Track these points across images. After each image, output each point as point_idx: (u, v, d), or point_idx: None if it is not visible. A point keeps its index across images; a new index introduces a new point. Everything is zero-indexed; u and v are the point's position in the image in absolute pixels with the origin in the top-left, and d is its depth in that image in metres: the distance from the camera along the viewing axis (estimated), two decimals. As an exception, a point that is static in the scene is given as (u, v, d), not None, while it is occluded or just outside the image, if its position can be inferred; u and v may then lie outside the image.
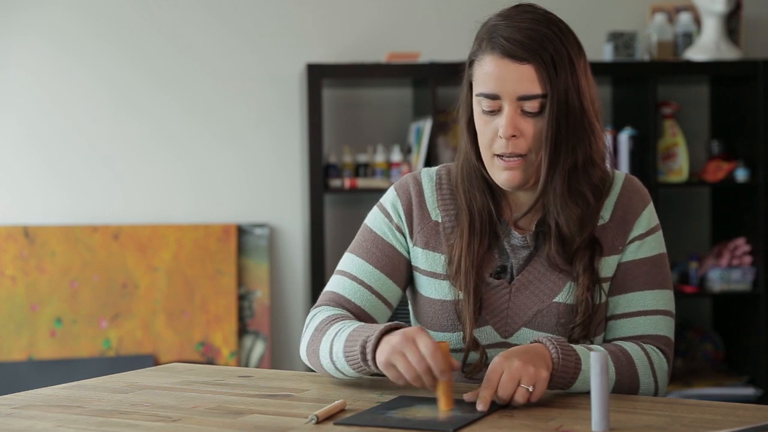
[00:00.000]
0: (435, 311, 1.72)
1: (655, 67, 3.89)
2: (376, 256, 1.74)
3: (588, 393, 1.49)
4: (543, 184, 1.63)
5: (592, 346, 1.62)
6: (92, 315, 3.95)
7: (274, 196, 4.11)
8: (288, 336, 4.12)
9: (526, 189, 1.67)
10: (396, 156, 3.88)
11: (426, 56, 3.99)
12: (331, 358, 1.60)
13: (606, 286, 1.68)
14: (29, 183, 4.03)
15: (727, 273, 3.89)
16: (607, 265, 1.68)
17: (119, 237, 3.98)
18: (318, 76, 3.81)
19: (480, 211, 1.70)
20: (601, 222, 1.68)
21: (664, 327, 1.68)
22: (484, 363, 1.66)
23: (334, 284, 1.75)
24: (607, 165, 1.71)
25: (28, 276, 3.94)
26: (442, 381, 1.43)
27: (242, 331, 4.02)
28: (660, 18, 4.03)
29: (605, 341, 1.70)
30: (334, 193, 3.91)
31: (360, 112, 4.13)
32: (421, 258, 1.74)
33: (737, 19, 4.04)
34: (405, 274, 1.76)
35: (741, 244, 3.92)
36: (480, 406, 1.42)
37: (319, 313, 1.70)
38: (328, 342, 1.61)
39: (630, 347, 1.63)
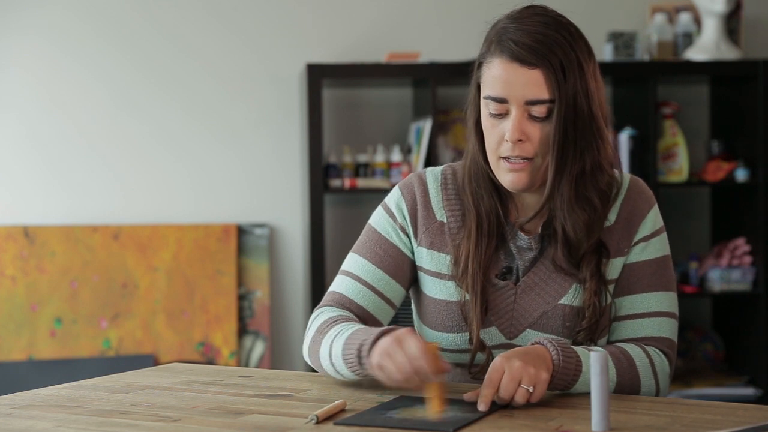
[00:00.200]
0: (440, 311, 1.72)
1: (655, 67, 3.89)
2: (380, 257, 1.74)
3: (588, 393, 1.49)
4: (550, 189, 1.63)
5: (592, 347, 1.62)
6: (92, 315, 3.94)
7: (274, 196, 4.11)
8: (288, 336, 4.12)
9: (532, 191, 1.67)
10: (396, 156, 3.88)
11: (426, 56, 3.99)
12: (331, 360, 1.61)
13: (611, 288, 1.68)
14: (29, 183, 4.03)
15: (727, 273, 3.89)
16: (613, 268, 1.68)
17: (119, 237, 3.98)
18: (318, 76, 3.81)
19: (487, 212, 1.70)
20: (606, 224, 1.68)
21: (667, 329, 1.68)
22: (489, 364, 1.66)
23: (338, 285, 1.75)
24: (615, 170, 1.71)
25: (28, 276, 3.94)
26: (432, 383, 1.42)
27: (242, 331, 4.02)
28: (660, 18, 4.02)
29: (608, 343, 1.70)
30: (334, 193, 3.91)
31: (360, 112, 4.13)
32: (425, 258, 1.74)
33: (737, 19, 4.04)
34: (409, 275, 1.76)
35: (741, 244, 3.92)
36: (481, 406, 1.42)
37: (321, 314, 1.70)
38: (327, 344, 1.61)
39: (632, 349, 1.63)
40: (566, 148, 1.61)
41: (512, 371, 1.45)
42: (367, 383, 1.63)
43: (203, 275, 3.99)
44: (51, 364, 3.90)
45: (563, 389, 1.53)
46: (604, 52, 3.97)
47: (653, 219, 1.71)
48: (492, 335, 1.69)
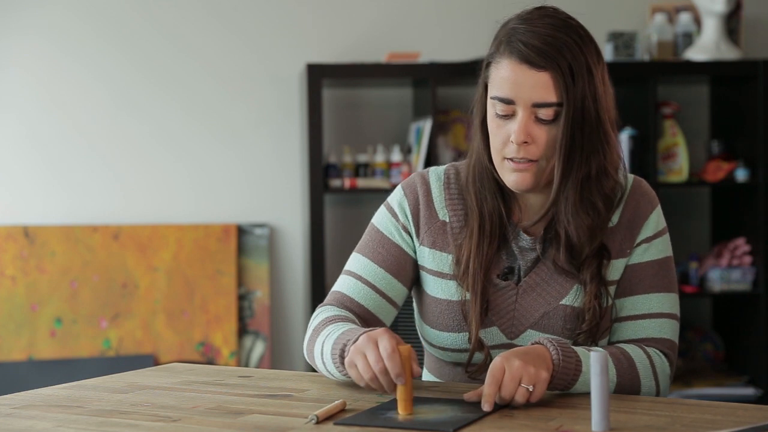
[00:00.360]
0: (441, 311, 1.72)
1: (655, 67, 3.89)
2: (382, 256, 1.74)
3: (588, 393, 1.49)
4: (555, 193, 1.63)
5: (592, 347, 1.62)
6: (92, 315, 3.95)
7: (274, 196, 4.11)
8: (288, 336, 4.12)
9: (535, 192, 1.67)
10: (396, 156, 3.88)
11: (426, 56, 3.99)
12: (322, 359, 1.61)
13: (612, 289, 1.68)
14: (29, 183, 4.03)
15: (727, 273, 3.89)
16: (615, 269, 1.68)
17: (119, 237, 3.98)
18: (318, 76, 3.81)
19: (490, 212, 1.70)
20: (609, 225, 1.68)
21: (669, 330, 1.68)
22: (488, 364, 1.65)
23: (341, 284, 1.76)
24: (621, 175, 1.70)
25: (28, 276, 3.94)
26: (400, 385, 1.42)
27: (242, 331, 4.02)
28: (660, 18, 4.02)
29: (609, 343, 1.70)
30: (334, 193, 3.91)
31: (360, 112, 4.13)
32: (427, 257, 1.74)
33: (737, 19, 4.04)
34: (411, 274, 1.76)
35: (741, 244, 3.92)
36: (485, 406, 1.42)
37: (321, 313, 1.70)
38: (320, 343, 1.62)
39: (632, 350, 1.63)
40: (573, 152, 1.60)
41: (512, 371, 1.45)
42: (367, 383, 1.63)
43: (203, 275, 4.00)
44: (51, 364, 3.90)
45: (563, 389, 1.53)
46: (605, 52, 3.97)
47: (656, 220, 1.71)
48: (493, 335, 1.69)
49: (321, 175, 3.81)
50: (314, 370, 1.71)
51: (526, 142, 1.60)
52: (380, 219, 1.78)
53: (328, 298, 1.76)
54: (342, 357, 1.53)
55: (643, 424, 1.35)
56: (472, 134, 1.74)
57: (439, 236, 1.74)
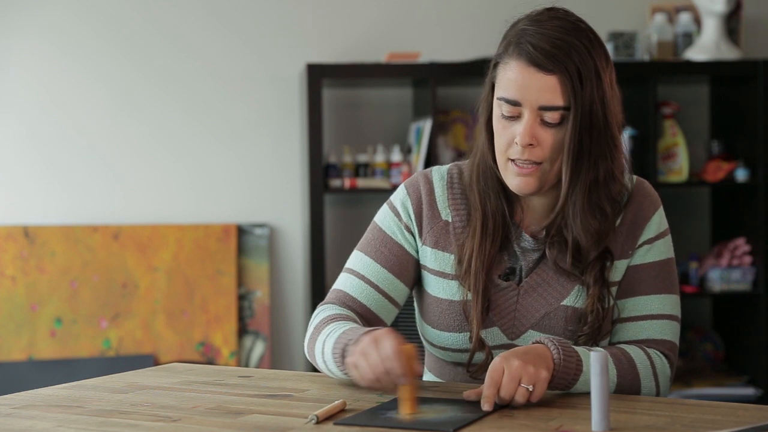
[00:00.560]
0: (442, 310, 1.72)
1: (655, 67, 3.89)
2: (385, 255, 1.74)
3: (588, 393, 1.49)
4: (563, 198, 1.62)
5: (593, 347, 1.61)
6: (92, 315, 3.94)
7: (274, 196, 4.11)
8: (288, 336, 4.12)
9: (539, 194, 1.67)
10: (396, 156, 3.88)
11: (426, 56, 3.99)
12: (323, 358, 1.62)
13: (614, 290, 1.68)
14: (29, 183, 4.03)
15: (727, 273, 3.89)
16: (616, 270, 1.68)
17: (119, 237, 3.98)
18: (318, 76, 3.81)
19: (494, 212, 1.69)
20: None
21: (669, 332, 1.67)
22: (489, 364, 1.65)
23: (342, 282, 1.76)
24: (626, 178, 1.70)
25: (28, 276, 3.94)
26: (403, 385, 1.42)
27: (242, 331, 4.02)
28: (660, 18, 4.02)
29: (610, 344, 1.69)
30: (334, 193, 3.91)
31: (360, 112, 4.13)
32: (430, 257, 1.74)
33: (737, 19, 4.04)
34: (413, 274, 1.76)
35: (741, 244, 3.92)
36: (486, 407, 1.42)
37: (322, 312, 1.71)
38: (321, 342, 1.62)
39: (633, 351, 1.63)
40: (581, 157, 1.60)
41: (511, 371, 1.44)
42: (367, 383, 1.63)
43: (203, 275, 4.00)
44: (51, 364, 3.90)
45: (563, 389, 1.53)
46: (604, 52, 3.97)
47: (658, 221, 1.70)
48: (494, 335, 1.69)
49: (321, 175, 3.81)
50: (315, 370, 1.71)
51: (531, 145, 1.59)
52: (383, 218, 1.78)
53: (329, 297, 1.76)
54: (343, 356, 1.53)
55: (643, 424, 1.35)
56: (476, 133, 1.73)
57: (441, 236, 1.74)
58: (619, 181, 1.66)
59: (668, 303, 1.68)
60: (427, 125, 3.81)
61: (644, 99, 3.88)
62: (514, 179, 1.63)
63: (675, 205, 4.12)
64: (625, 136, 3.88)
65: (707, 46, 3.93)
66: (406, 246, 1.75)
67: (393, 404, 1.47)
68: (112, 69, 4.05)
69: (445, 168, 1.79)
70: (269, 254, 4.07)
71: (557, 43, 1.58)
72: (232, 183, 4.10)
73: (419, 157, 3.84)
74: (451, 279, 1.71)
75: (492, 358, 1.66)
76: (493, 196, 1.70)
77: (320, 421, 1.38)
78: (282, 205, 4.11)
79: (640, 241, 1.69)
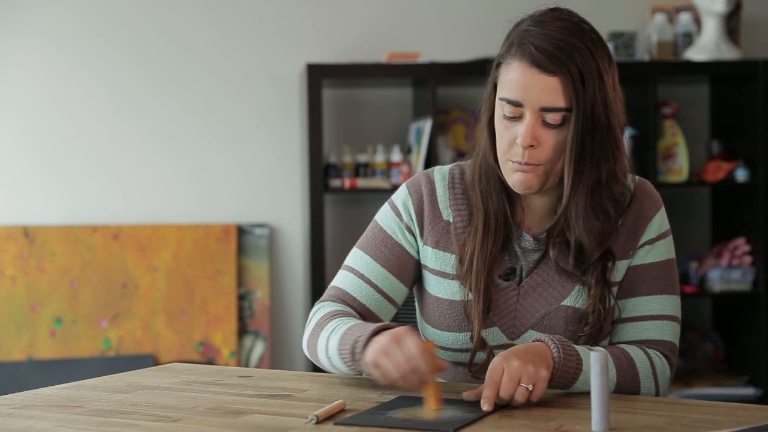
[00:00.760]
0: (443, 310, 1.72)
1: (655, 67, 3.89)
2: (384, 255, 1.74)
3: (588, 393, 1.49)
4: (566, 199, 1.62)
5: (593, 347, 1.61)
6: (92, 315, 3.94)
7: (274, 196, 4.11)
8: (288, 336, 4.12)
9: (539, 194, 1.67)
10: (396, 156, 3.88)
11: (426, 56, 3.99)
12: (327, 354, 1.62)
13: (614, 290, 1.68)
14: (29, 183, 4.03)
15: (727, 273, 3.89)
16: (617, 270, 1.68)
17: (119, 237, 3.98)
18: (318, 76, 3.81)
19: (495, 211, 1.69)
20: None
21: (669, 332, 1.68)
22: (490, 364, 1.66)
23: (341, 280, 1.76)
24: (629, 179, 1.70)
25: (28, 276, 3.94)
26: (429, 382, 1.42)
27: (242, 331, 4.02)
28: (660, 18, 4.02)
29: (610, 344, 1.69)
30: (334, 193, 3.91)
31: (360, 112, 4.13)
32: (430, 257, 1.74)
33: (737, 19, 4.04)
34: (412, 274, 1.76)
35: (741, 244, 3.92)
36: (486, 407, 1.42)
37: (322, 309, 1.71)
38: (324, 338, 1.63)
39: (633, 351, 1.63)
40: (583, 158, 1.60)
41: (511, 370, 1.45)
42: (367, 383, 1.64)
43: (203, 275, 3.99)
44: (51, 364, 3.90)
45: (563, 388, 1.53)
46: (604, 52, 3.97)
47: (659, 222, 1.71)
48: (494, 335, 1.69)
49: (321, 175, 3.81)
50: (314, 368, 1.71)
51: (532, 146, 1.59)
52: (384, 217, 1.78)
53: (327, 294, 1.76)
54: (353, 353, 1.53)
55: (643, 424, 1.35)
56: (478, 133, 1.74)
57: (442, 236, 1.74)
58: (621, 181, 1.66)
59: (669, 304, 1.68)
60: (427, 125, 3.81)
61: (644, 99, 3.88)
62: (514, 178, 1.63)
63: (675, 205, 4.12)
64: (626, 137, 3.88)
65: (707, 46, 3.93)
66: (406, 246, 1.75)
67: (393, 404, 1.47)
68: (112, 69, 4.05)
69: (447, 168, 1.79)
70: (269, 254, 4.07)
71: (560, 44, 1.57)
72: (232, 183, 4.10)
73: (419, 157, 3.84)
74: (452, 279, 1.71)
75: (494, 358, 1.66)
76: (494, 195, 1.70)
77: (320, 421, 1.38)
78: (282, 205, 4.11)
79: (642, 242, 1.69)
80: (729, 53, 3.92)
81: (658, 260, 1.69)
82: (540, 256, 1.69)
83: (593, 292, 1.64)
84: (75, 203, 4.04)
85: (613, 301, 1.66)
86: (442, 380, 1.76)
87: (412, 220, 1.76)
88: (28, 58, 4.03)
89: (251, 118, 4.11)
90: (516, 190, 1.65)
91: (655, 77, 3.86)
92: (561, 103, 1.58)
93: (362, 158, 3.92)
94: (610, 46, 3.91)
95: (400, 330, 1.47)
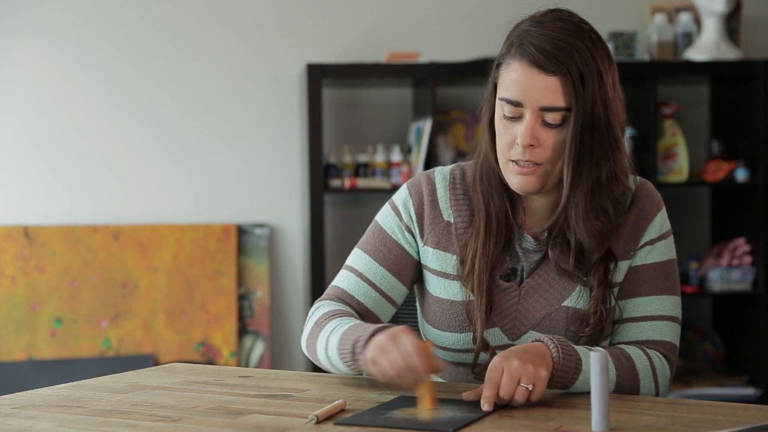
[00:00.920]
0: (444, 311, 1.72)
1: (655, 67, 3.89)
2: (384, 255, 1.75)
3: (588, 393, 1.49)
4: (565, 199, 1.62)
5: (593, 347, 1.61)
6: (92, 315, 3.94)
7: (274, 196, 4.11)
8: (288, 336, 4.12)
9: (540, 194, 1.67)
10: (396, 156, 3.88)
11: (426, 56, 3.99)
12: (327, 353, 1.62)
13: (615, 290, 1.68)
14: (29, 183, 4.03)
15: (727, 273, 3.89)
16: (618, 271, 1.67)
17: (119, 237, 3.98)
18: (318, 76, 3.81)
19: (497, 212, 1.70)
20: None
21: (670, 333, 1.68)
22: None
23: (341, 280, 1.76)
24: (630, 179, 1.70)
25: (28, 276, 3.94)
26: (424, 381, 1.42)
27: (242, 331, 4.02)
28: (660, 18, 4.02)
29: (610, 344, 1.69)
30: (334, 193, 3.91)
31: (360, 112, 4.13)
32: (431, 257, 1.74)
33: (737, 19, 4.04)
34: (412, 274, 1.77)
35: (741, 244, 3.92)
36: (486, 407, 1.42)
37: (321, 308, 1.71)
38: (324, 337, 1.63)
39: (633, 351, 1.63)
40: (582, 158, 1.60)
41: (511, 370, 1.45)
42: (367, 383, 1.64)
43: (203, 275, 4.00)
44: (51, 364, 3.90)
45: (563, 388, 1.53)
46: (604, 52, 3.96)
47: (660, 222, 1.71)
48: (495, 336, 1.69)
49: (321, 175, 3.81)
50: (313, 367, 1.71)
51: (532, 145, 1.60)
52: (384, 217, 1.78)
53: (327, 293, 1.76)
54: (353, 353, 1.53)
55: (643, 424, 1.35)
56: (479, 133, 1.74)
57: (443, 237, 1.74)
58: (621, 182, 1.66)
59: (669, 304, 1.68)
60: (427, 125, 3.81)
61: (644, 99, 3.88)
62: (515, 178, 1.63)
63: (675, 205, 4.12)
64: (626, 137, 3.88)
65: (707, 46, 3.93)
66: (406, 246, 1.76)
67: (393, 404, 1.47)
68: (112, 69, 4.05)
69: (447, 168, 1.79)
70: (269, 254, 4.07)
71: (559, 45, 1.58)
72: (232, 183, 4.10)
73: (419, 157, 3.84)
74: (453, 279, 1.71)
75: (496, 358, 1.66)
76: (496, 196, 1.70)
77: (320, 421, 1.38)
78: (282, 205, 4.11)
79: (642, 242, 1.69)
80: (729, 53, 3.92)
81: (659, 261, 1.69)
82: (541, 257, 1.69)
83: (595, 294, 1.64)
84: (75, 203, 4.04)
85: (614, 302, 1.66)
86: (443, 380, 1.76)
87: (411, 220, 1.76)
88: (28, 58, 4.03)
89: (251, 118, 4.11)
90: (516, 191, 1.65)
91: (655, 77, 3.86)
92: (560, 102, 1.58)
93: (362, 158, 3.92)
94: (610, 46, 3.91)
95: (398, 329, 1.48)
